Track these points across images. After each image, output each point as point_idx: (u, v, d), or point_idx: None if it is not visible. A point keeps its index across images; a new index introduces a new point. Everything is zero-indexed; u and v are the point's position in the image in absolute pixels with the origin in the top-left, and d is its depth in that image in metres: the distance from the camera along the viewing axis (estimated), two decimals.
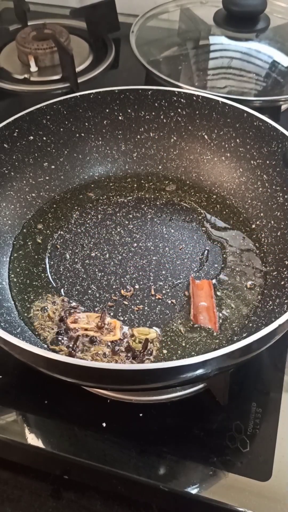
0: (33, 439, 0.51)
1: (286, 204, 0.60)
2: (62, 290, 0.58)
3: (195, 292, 0.57)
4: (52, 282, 0.59)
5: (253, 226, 0.64)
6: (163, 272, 0.60)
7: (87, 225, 0.65)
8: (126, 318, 0.55)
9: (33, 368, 0.44)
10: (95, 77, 0.92)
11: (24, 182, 0.66)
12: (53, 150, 0.68)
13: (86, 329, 0.53)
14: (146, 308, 0.56)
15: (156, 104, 0.68)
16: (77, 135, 0.69)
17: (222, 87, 0.82)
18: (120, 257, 0.62)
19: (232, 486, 0.47)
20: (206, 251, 0.62)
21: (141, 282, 0.59)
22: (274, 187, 0.62)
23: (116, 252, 0.62)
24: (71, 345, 0.51)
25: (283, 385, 0.54)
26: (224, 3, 0.84)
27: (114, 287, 0.58)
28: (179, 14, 0.96)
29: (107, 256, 0.62)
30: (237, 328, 0.54)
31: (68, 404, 0.53)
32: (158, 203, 0.68)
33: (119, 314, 0.56)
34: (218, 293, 0.57)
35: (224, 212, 0.66)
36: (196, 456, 0.49)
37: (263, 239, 0.62)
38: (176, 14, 0.96)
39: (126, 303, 0.57)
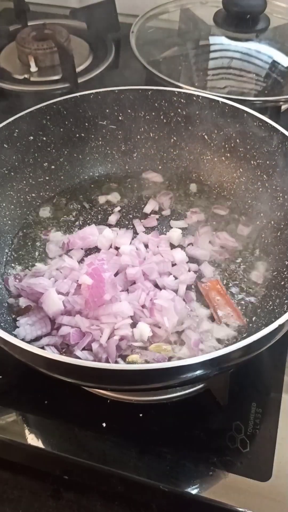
0: (33, 439, 0.51)
1: (286, 204, 0.59)
2: None
3: (209, 295, 0.57)
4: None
5: (253, 226, 0.64)
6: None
7: (87, 225, 0.65)
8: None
9: (33, 368, 0.44)
10: (95, 77, 0.92)
11: (24, 182, 0.66)
12: (53, 150, 0.68)
13: None
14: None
15: (156, 104, 0.68)
16: (77, 135, 0.69)
17: (222, 87, 0.82)
18: None
19: (232, 486, 0.47)
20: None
21: None
22: (274, 187, 0.62)
23: None
24: None
25: (283, 385, 0.54)
26: (224, 3, 0.84)
27: None
28: (179, 14, 0.96)
29: None
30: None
31: (68, 404, 0.53)
32: None
33: None
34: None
35: (224, 212, 0.66)
36: (196, 456, 0.49)
37: (263, 239, 0.62)
38: (176, 14, 0.96)
39: None
